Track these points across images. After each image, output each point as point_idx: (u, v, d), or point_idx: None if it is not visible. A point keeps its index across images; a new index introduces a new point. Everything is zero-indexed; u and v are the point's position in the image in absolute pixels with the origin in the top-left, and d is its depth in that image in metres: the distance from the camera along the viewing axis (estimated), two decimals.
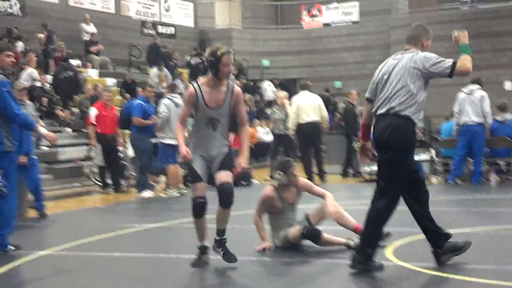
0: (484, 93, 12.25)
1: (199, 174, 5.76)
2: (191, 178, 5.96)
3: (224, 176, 5.71)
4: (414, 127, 5.53)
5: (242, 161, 5.82)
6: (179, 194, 12.06)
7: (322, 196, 6.73)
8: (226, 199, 5.68)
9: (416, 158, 13.42)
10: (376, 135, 5.58)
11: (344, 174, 14.83)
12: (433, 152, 13.39)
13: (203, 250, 5.91)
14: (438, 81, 27.83)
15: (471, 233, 7.17)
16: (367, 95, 5.83)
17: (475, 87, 12.31)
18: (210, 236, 5.91)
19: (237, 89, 5.87)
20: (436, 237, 5.69)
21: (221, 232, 5.88)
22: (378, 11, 26.30)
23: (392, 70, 5.57)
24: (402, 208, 9.54)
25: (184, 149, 5.67)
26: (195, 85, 5.81)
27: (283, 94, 14.88)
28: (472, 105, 12.16)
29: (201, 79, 6.04)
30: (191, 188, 5.95)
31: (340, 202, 6.87)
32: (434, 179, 13.28)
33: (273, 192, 6.62)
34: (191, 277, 5.60)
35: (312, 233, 6.35)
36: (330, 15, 27.15)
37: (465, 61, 5.41)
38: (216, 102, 5.73)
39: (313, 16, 27.46)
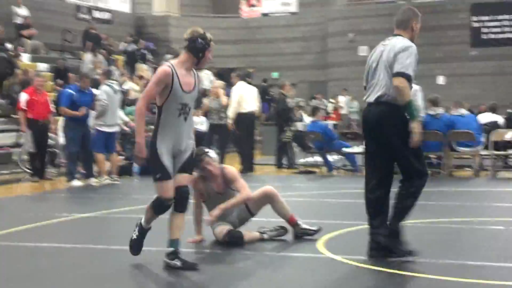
0: (417, 87, 12.39)
1: (168, 172, 5.26)
2: (158, 175, 5.25)
3: (184, 179, 5.36)
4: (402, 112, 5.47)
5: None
6: (110, 182, 11.89)
7: (239, 191, 6.45)
8: (183, 203, 5.36)
9: (350, 150, 13.64)
10: (365, 123, 5.67)
11: (279, 165, 14.85)
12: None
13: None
14: None
15: (407, 226, 7.24)
16: (364, 83, 5.82)
17: None
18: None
19: (199, 73, 5.61)
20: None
21: (174, 242, 5.34)
22: (316, 2, 26.46)
23: (380, 58, 5.57)
24: (334, 200, 9.67)
25: (142, 146, 5.21)
26: (171, 65, 5.31)
27: (219, 84, 14.79)
28: None
29: (171, 60, 5.46)
30: (157, 186, 5.31)
31: (282, 193, 6.84)
32: None
33: (199, 181, 6.45)
34: (121, 267, 5.48)
35: (234, 239, 6.22)
36: (269, 5, 27.17)
37: (405, 89, 5.36)
38: (190, 86, 5.33)
39: (251, 5, 27.42)
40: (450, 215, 7.95)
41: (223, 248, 6.13)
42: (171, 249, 5.35)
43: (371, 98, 5.58)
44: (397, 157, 5.56)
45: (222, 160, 14.19)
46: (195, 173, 6.31)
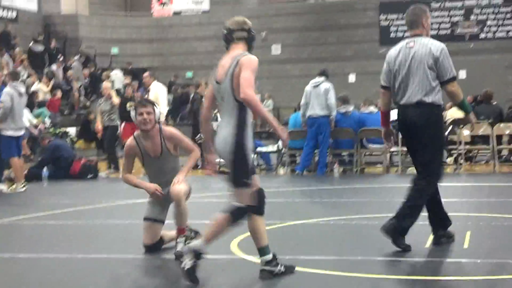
0: (328, 85, 12.59)
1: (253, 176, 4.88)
2: (249, 179, 4.79)
3: (258, 179, 5.03)
4: (441, 111, 5.92)
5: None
6: (23, 189, 11.49)
7: (190, 151, 6.09)
8: (264, 204, 5.06)
9: (264, 149, 13.69)
10: (408, 124, 5.76)
11: (195, 166, 14.73)
12: (280, 143, 13.59)
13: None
14: (287, 73, 28.45)
15: (314, 224, 7.31)
16: (383, 83, 5.91)
17: (321, 79, 12.63)
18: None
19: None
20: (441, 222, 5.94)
21: (268, 248, 4.97)
22: (228, 1, 26.45)
23: (412, 60, 5.73)
24: (270, 200, 9.64)
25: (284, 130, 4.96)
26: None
27: (109, 84, 14.57)
28: (317, 97, 12.46)
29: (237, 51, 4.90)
30: (245, 192, 4.85)
31: (195, 194, 6.73)
32: (281, 170, 13.51)
33: (133, 140, 5.99)
34: (30, 276, 5.28)
35: (151, 251, 5.92)
36: (181, 3, 26.99)
37: (459, 90, 5.69)
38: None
39: (163, 3, 27.16)
40: (361, 211, 8.07)
41: (129, 252, 6.02)
42: (270, 256, 4.93)
43: (410, 100, 5.70)
44: (429, 156, 5.73)
45: (113, 165, 13.93)
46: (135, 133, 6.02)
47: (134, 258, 5.88)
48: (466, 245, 5.93)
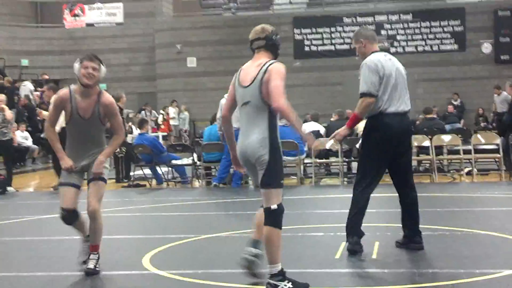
0: None
1: None
2: (282, 180, 4.93)
3: None
4: None
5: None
6: None
7: (116, 131, 5.73)
8: None
9: (179, 162, 13.61)
10: (399, 132, 6.03)
11: (117, 179, 14.42)
12: (195, 156, 13.55)
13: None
14: (203, 85, 28.38)
15: (228, 237, 7.31)
16: (371, 90, 5.92)
17: None
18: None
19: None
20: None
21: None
22: (142, 13, 26.26)
23: (397, 72, 6.08)
24: (163, 214, 9.56)
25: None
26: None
27: (2, 97, 14.02)
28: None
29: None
30: (278, 192, 4.92)
31: (111, 208, 6.63)
32: (196, 183, 13.46)
33: (67, 93, 5.62)
34: None
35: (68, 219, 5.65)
36: (94, 15, 26.60)
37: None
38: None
39: (75, 15, 26.71)
40: None
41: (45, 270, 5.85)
42: (279, 268, 4.85)
43: (403, 108, 6.04)
44: (411, 165, 6.30)
45: (9, 182, 13.34)
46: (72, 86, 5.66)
47: (43, 275, 5.72)
48: (374, 256, 6.04)
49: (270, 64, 4.93)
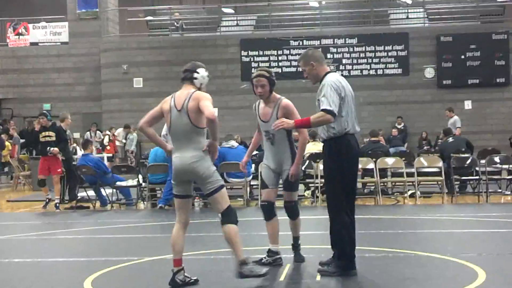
0: None
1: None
2: None
3: None
4: None
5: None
6: None
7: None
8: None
9: (124, 183, 13.44)
10: (358, 153, 6.41)
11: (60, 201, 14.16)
12: (140, 177, 13.40)
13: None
14: (149, 106, 28.08)
15: (171, 259, 7.21)
16: (335, 110, 5.97)
17: None
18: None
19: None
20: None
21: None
22: (88, 33, 26.00)
23: (350, 92, 6.21)
24: (106, 236, 9.41)
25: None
26: None
27: None
28: None
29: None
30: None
31: (52, 231, 6.48)
32: (141, 205, 13.31)
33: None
34: None
35: None
36: (38, 34, 26.27)
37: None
38: (266, 116, 6.64)
39: (19, 34, 26.32)
40: (220, 245, 8.06)
41: None
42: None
43: (357, 129, 6.21)
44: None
45: None
46: None
47: None
48: (318, 278, 6.05)
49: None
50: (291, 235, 6.77)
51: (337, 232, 6.08)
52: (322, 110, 5.95)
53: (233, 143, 13.41)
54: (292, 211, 6.68)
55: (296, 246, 6.78)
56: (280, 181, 6.73)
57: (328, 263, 6.20)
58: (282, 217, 6.77)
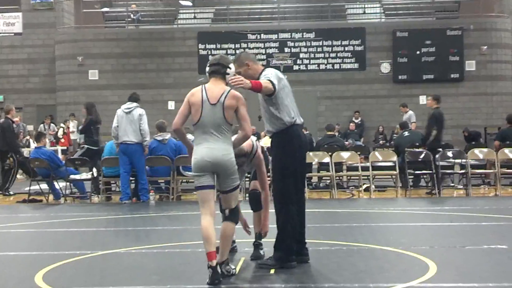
0: (141, 111, 12.45)
1: None
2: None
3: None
4: None
5: None
6: None
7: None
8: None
9: (78, 177, 13.27)
10: (306, 143, 6.47)
11: (4, 193, 14.03)
12: (95, 170, 13.24)
13: None
14: (105, 99, 27.79)
15: (125, 253, 7.15)
16: (275, 83, 6.02)
17: (132, 105, 12.48)
18: None
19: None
20: None
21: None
22: (43, 24, 25.57)
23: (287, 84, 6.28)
24: (59, 230, 9.27)
25: None
26: None
27: None
28: (131, 124, 12.27)
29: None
30: None
31: (2, 224, 6.36)
32: (96, 198, 13.16)
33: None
34: None
35: None
36: None
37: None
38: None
39: None
40: (176, 239, 8.03)
41: None
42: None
43: (301, 120, 6.25)
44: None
45: None
46: None
47: None
48: (272, 271, 6.06)
49: None
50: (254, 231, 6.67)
51: (281, 222, 6.11)
52: (268, 80, 6.05)
53: (190, 136, 13.31)
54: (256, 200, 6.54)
55: (257, 244, 6.65)
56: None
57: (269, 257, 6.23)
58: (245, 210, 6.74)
